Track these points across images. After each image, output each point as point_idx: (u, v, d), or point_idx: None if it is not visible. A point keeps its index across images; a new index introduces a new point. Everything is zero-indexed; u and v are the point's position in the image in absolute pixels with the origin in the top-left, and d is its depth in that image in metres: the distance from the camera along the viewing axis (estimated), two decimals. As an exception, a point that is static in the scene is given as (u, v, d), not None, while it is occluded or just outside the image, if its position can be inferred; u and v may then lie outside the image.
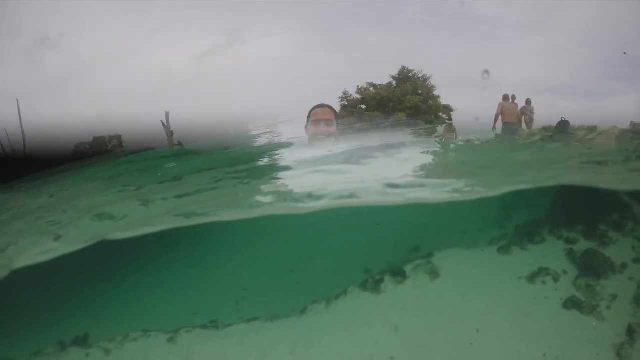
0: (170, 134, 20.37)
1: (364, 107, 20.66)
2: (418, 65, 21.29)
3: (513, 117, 10.71)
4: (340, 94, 21.52)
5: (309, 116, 2.77)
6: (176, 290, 4.38)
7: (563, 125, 10.77)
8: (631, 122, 8.66)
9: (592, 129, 10.91)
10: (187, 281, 4.47)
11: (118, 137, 34.34)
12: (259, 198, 3.27)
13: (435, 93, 20.58)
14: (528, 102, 13.76)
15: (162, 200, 3.30)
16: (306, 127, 2.81)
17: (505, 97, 10.97)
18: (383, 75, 22.30)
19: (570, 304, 3.23)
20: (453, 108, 20.41)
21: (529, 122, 13.57)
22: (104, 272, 4.43)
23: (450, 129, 15.01)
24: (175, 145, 21.77)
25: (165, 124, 20.25)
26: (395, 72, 21.11)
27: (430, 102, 19.98)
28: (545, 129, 12.02)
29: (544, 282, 3.45)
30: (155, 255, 4.57)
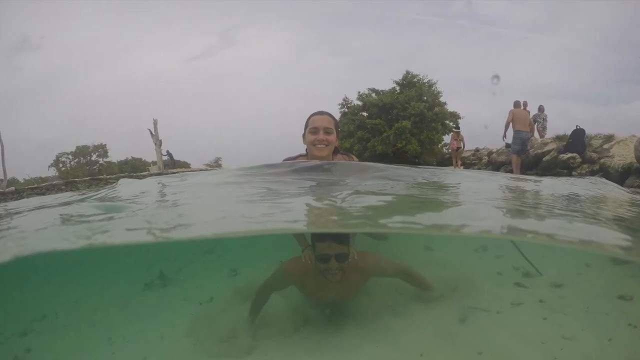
0: (158, 143, 20.29)
1: (365, 114, 20.66)
2: (422, 68, 21.49)
3: (525, 125, 10.72)
4: (340, 100, 21.54)
5: (306, 124, 2.78)
6: None
7: (578, 133, 10.87)
8: None
9: (609, 137, 11.02)
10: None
11: (102, 147, 34.54)
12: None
13: (442, 99, 20.59)
14: (541, 109, 13.86)
15: None
16: (304, 135, 2.81)
17: (517, 104, 11.00)
18: (385, 78, 22.46)
19: None
20: (460, 115, 20.42)
21: (542, 130, 13.66)
22: None
23: (458, 137, 15.03)
24: (164, 155, 21.84)
25: (153, 132, 20.20)
26: (398, 77, 21.13)
27: (437, 109, 19.98)
28: (559, 137, 12.10)
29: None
30: None
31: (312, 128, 2.73)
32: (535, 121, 12.90)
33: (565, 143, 11.05)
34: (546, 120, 13.90)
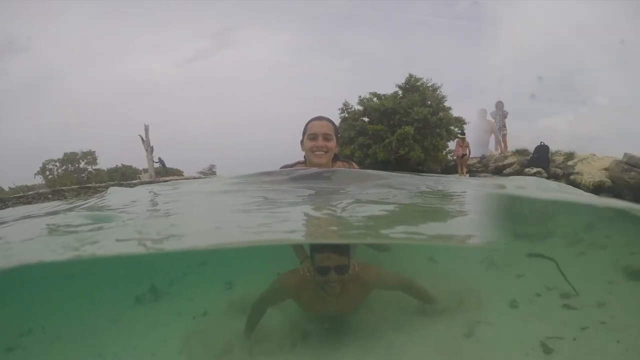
0: (149, 149, 20.17)
1: (366, 119, 20.60)
2: (425, 71, 21.39)
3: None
4: (339, 103, 21.46)
5: (305, 130, 2.76)
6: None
7: (542, 149, 11.06)
8: (625, 154, 9.15)
9: (570, 154, 11.18)
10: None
11: (91, 153, 34.47)
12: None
13: (446, 104, 20.56)
14: (498, 105, 13.42)
15: None
16: (302, 142, 2.79)
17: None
18: (388, 81, 22.34)
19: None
20: (466, 121, 20.38)
21: (499, 129, 13.23)
22: None
23: (464, 144, 14.97)
24: (156, 163, 21.80)
25: (144, 138, 20.10)
26: (400, 80, 21.06)
27: (441, 114, 19.95)
28: (519, 151, 12.22)
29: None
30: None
31: (311, 134, 2.70)
32: (493, 118, 12.89)
33: (529, 157, 11.23)
34: (505, 118, 13.48)
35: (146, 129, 20.14)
